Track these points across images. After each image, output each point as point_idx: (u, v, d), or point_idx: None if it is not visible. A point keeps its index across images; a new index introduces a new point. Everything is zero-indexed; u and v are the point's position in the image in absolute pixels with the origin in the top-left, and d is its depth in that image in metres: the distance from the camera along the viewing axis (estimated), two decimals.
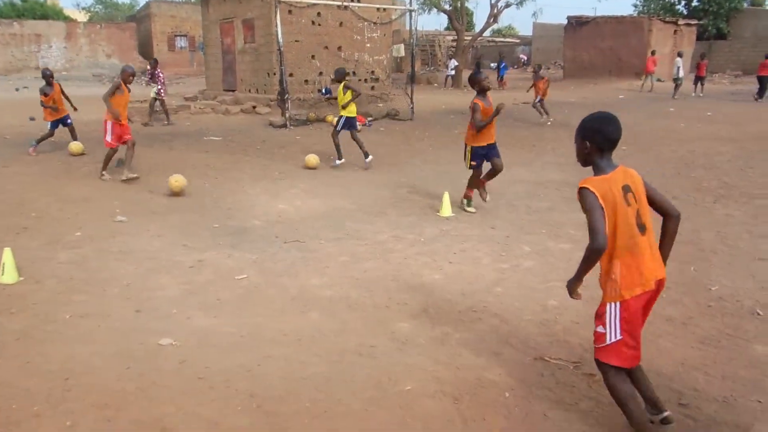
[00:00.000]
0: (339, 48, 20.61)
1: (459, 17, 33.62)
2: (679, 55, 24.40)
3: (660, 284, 2.96)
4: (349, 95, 10.29)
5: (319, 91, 20.11)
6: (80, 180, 9.40)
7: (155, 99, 16.11)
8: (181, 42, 43.60)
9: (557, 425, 3.18)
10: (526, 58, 50.15)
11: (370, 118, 17.16)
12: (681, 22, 33.88)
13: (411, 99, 17.89)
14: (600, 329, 2.92)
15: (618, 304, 2.86)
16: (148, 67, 17.10)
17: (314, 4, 19.02)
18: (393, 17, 23.11)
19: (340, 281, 5.29)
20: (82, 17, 52.82)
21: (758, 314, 4.53)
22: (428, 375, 3.69)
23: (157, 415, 3.27)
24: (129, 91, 9.44)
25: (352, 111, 10.40)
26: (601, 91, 26.45)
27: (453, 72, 32.27)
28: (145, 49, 42.79)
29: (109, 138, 9.16)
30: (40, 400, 3.39)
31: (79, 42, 39.91)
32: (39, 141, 11.20)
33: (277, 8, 15.63)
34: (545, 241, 6.35)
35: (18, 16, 40.43)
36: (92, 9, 57.04)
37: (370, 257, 5.93)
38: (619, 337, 2.86)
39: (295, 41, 19.28)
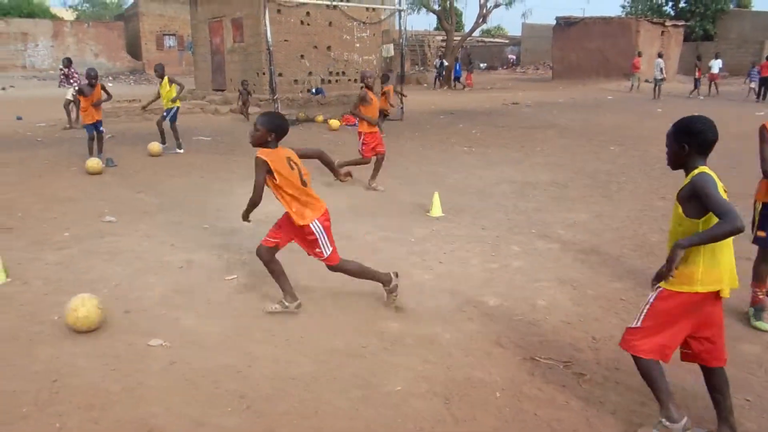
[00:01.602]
0: (328, 48, 20.61)
1: (448, 17, 33.71)
2: (660, 56, 24.65)
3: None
4: (173, 89, 11.81)
5: (309, 90, 20.09)
6: (67, 180, 9.34)
7: (70, 101, 14.97)
8: (169, 41, 43.40)
9: (548, 424, 3.19)
10: (514, 57, 50.30)
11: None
12: (668, 23, 34.19)
13: (400, 99, 17.90)
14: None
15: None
16: (61, 66, 15.91)
17: (303, 4, 19.01)
18: (382, 17, 23.13)
19: (329, 281, 5.28)
20: (69, 16, 52.42)
21: (746, 314, 4.56)
22: (418, 375, 3.69)
23: (144, 415, 3.24)
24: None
25: (177, 102, 12.09)
26: (590, 91, 26.61)
27: (443, 72, 32.40)
28: (134, 48, 42.58)
29: None
30: (27, 401, 3.36)
31: (66, 41, 39.67)
32: (90, 149, 10.40)
33: (265, 7, 15.60)
34: (534, 241, 6.37)
35: (4, 14, 40.05)
36: (79, 7, 56.61)
37: (359, 257, 5.90)
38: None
39: (285, 41, 19.26)
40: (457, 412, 3.30)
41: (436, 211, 7.41)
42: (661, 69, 23.41)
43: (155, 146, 11.52)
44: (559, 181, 9.10)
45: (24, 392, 3.45)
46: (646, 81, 29.42)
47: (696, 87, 24.50)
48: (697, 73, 24.29)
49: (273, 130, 4.43)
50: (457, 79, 32.41)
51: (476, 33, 40.98)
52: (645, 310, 2.93)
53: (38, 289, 5.06)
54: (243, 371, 3.73)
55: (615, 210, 7.58)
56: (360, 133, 8.96)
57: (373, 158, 8.98)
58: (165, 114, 12.06)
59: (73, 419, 3.21)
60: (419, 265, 5.66)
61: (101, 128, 10.58)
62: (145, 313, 4.62)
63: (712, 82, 24.41)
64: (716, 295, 2.87)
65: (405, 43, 20.06)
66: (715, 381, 3.02)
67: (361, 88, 8.99)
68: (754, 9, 40.90)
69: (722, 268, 2.84)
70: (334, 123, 16.37)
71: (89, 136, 10.38)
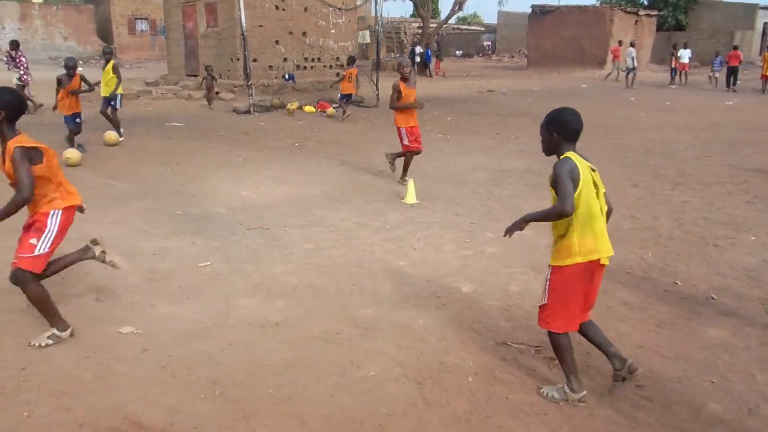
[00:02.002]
0: (304, 33, 20.43)
1: (424, 4, 33.57)
2: (632, 45, 24.89)
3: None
4: (114, 80, 11.10)
5: (283, 77, 19.91)
6: None
7: (16, 86, 14.01)
8: (141, 25, 42.57)
9: (520, 408, 3.24)
10: (490, 44, 50.32)
11: (335, 105, 17.06)
12: (642, 12, 34.47)
13: (376, 86, 17.84)
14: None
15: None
16: (8, 49, 15.02)
17: None
18: (358, 3, 22.97)
19: (305, 268, 5.27)
20: None
21: (712, 298, 4.67)
22: (392, 360, 3.72)
23: (117, 403, 3.22)
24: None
25: (121, 89, 11.40)
26: (564, 80, 26.79)
27: (417, 59, 32.32)
28: (104, 32, 41.68)
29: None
30: None
31: (34, 24, 38.72)
32: (68, 141, 10.04)
33: None
34: None
35: None
36: None
37: (334, 244, 5.92)
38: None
39: (259, 26, 19.03)
40: (429, 396, 3.34)
41: (411, 198, 7.42)
42: (633, 58, 23.67)
43: (112, 135, 10.92)
44: (534, 169, 9.17)
45: None
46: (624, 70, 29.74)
47: (672, 77, 24.77)
48: (673, 63, 24.54)
49: (2, 107, 3.60)
50: (425, 66, 32.47)
51: (452, 20, 40.87)
52: (546, 287, 3.27)
53: (6, 276, 4.96)
54: (217, 358, 3.72)
55: None
56: (399, 129, 8.19)
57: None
58: (112, 103, 11.22)
59: (43, 407, 3.18)
60: (394, 252, 5.68)
61: (78, 120, 10.08)
62: (118, 300, 4.57)
63: (682, 72, 24.72)
64: (598, 264, 3.17)
65: (381, 30, 19.96)
66: (590, 332, 3.41)
67: (400, 73, 8.07)
68: (725, 0, 41.43)
69: (596, 239, 3.14)
70: (309, 109, 16.30)
71: (69, 129, 10.02)
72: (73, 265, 5.18)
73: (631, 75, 23.62)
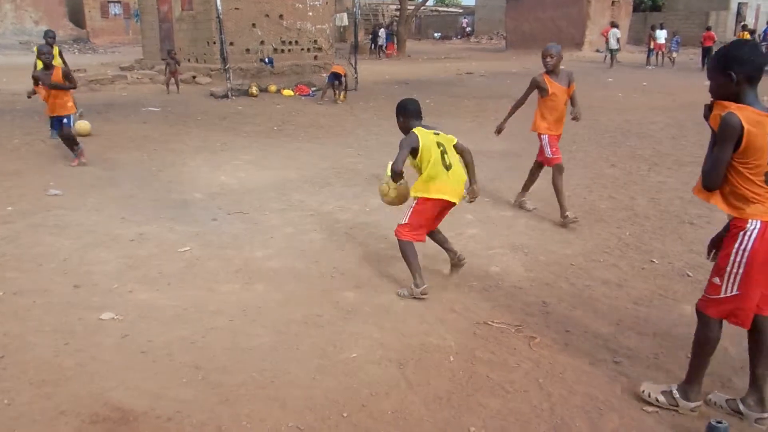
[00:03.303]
0: (281, 16, 20.20)
1: None
2: (615, 26, 24.95)
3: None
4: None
5: (261, 60, 19.71)
6: (10, 153, 9.01)
7: None
8: (115, 9, 41.79)
9: (500, 386, 3.28)
10: (466, 24, 50.16)
11: (313, 88, 16.96)
12: None
13: (355, 69, 17.75)
14: None
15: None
16: None
17: None
18: None
19: (285, 252, 5.27)
20: None
21: (688, 275, 4.75)
22: (373, 342, 3.74)
23: (99, 390, 3.21)
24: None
25: None
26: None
27: (380, 42, 32.39)
28: (77, 16, 40.85)
29: None
30: None
31: (3, 8, 37.79)
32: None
33: None
34: (488, 210, 6.46)
35: None
36: None
37: (315, 228, 5.91)
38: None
39: (235, 9, 18.78)
40: (411, 376, 3.37)
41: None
42: (617, 39, 23.84)
43: (84, 125, 10.19)
44: (513, 150, 9.22)
45: None
46: (597, 51, 29.81)
47: (648, 57, 24.93)
48: (652, 44, 24.68)
49: None
50: (380, 47, 32.53)
51: (430, 2, 40.73)
52: (409, 213, 4.36)
53: None
54: (198, 343, 3.72)
55: (566, 178, 7.64)
56: (540, 136, 6.19)
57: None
58: None
59: (24, 395, 3.15)
60: (374, 235, 5.69)
61: (65, 120, 8.26)
62: (96, 287, 4.53)
63: (659, 52, 24.93)
64: (447, 202, 4.32)
65: (359, 12, 19.79)
66: (435, 236, 4.62)
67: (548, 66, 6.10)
68: None
69: (444, 186, 4.25)
70: (288, 92, 16.20)
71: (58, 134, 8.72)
72: (49, 253, 5.15)
73: (613, 56, 23.81)
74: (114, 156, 8.98)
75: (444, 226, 5.99)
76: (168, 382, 3.29)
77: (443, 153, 4.23)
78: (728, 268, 2.83)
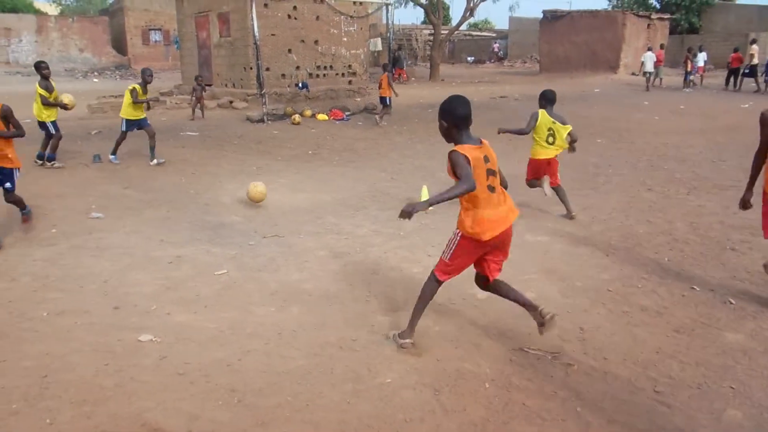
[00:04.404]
0: (316, 42, 20.54)
1: (435, 11, 33.65)
2: (650, 49, 24.78)
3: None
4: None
5: (296, 85, 20.02)
6: (54, 176, 9.28)
7: None
8: (155, 36, 42.99)
9: (537, 414, 3.23)
10: (498, 47, 50.14)
11: (348, 113, 17.13)
12: (654, 16, 34.33)
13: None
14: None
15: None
16: None
17: None
18: (369, 11, 23.05)
19: (320, 275, 5.29)
20: (53, 10, 51.87)
21: (730, 303, 4.63)
22: (408, 367, 3.72)
23: (136, 410, 3.25)
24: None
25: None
26: (577, 84, 26.69)
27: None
28: (119, 43, 42.19)
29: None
30: (17, 398, 3.36)
31: (50, 36, 39.25)
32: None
33: (252, 1, 15.54)
34: (523, 234, 6.40)
35: None
36: (63, 2, 55.98)
37: (349, 251, 5.94)
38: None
39: (272, 35, 19.16)
40: (446, 402, 3.34)
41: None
42: (654, 62, 23.74)
43: (69, 98, 9.83)
44: None
45: (14, 388, 3.45)
46: (633, 74, 29.53)
47: (686, 80, 24.60)
48: (688, 66, 24.34)
49: None
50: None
51: (464, 26, 40.96)
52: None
53: (26, 285, 5.04)
54: (234, 365, 3.75)
55: (602, 202, 7.64)
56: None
57: None
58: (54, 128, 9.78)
59: (65, 414, 3.21)
60: (408, 259, 5.69)
61: (8, 184, 6.23)
62: (135, 308, 4.61)
63: (698, 75, 24.69)
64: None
65: (392, 37, 20.01)
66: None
67: None
68: (738, 2, 41.15)
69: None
70: (322, 117, 16.38)
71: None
72: (90, 275, 5.26)
73: (650, 78, 23.66)
74: (153, 179, 9.18)
75: None
76: (204, 404, 3.32)
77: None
78: None
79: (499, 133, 7.09)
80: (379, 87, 15.88)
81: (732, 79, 22.86)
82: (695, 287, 4.95)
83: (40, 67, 9.43)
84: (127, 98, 10.07)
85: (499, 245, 3.82)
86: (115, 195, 8.16)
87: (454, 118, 3.66)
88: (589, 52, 31.97)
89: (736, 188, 8.15)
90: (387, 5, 19.56)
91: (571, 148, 6.82)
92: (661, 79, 25.35)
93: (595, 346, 3.99)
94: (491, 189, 3.67)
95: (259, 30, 15.89)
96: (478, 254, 3.83)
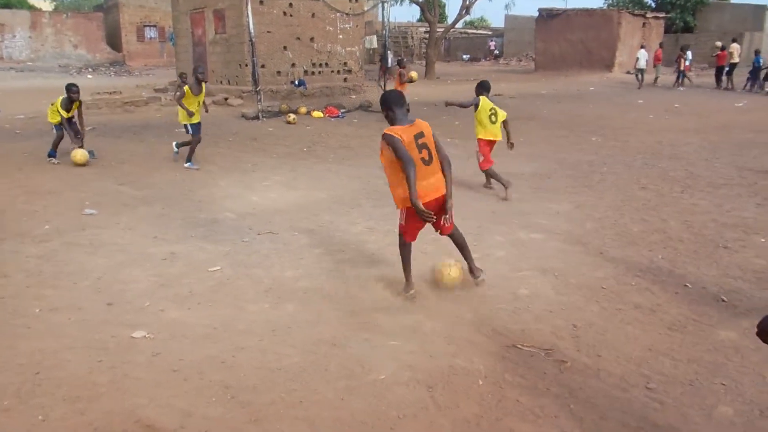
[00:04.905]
0: (311, 39, 20.50)
1: (431, 8, 33.63)
2: (642, 47, 24.88)
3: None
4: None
5: (292, 82, 19.99)
6: (48, 172, 9.25)
7: None
8: (150, 32, 42.86)
9: (530, 411, 3.24)
10: (493, 45, 50.13)
11: (343, 110, 17.12)
12: (649, 15, 34.39)
13: (384, 90, 17.87)
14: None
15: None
16: None
17: None
18: (365, 8, 23.04)
19: (315, 272, 5.29)
20: (47, 6, 51.65)
21: (723, 300, 4.65)
22: (402, 364, 3.73)
23: (130, 406, 3.25)
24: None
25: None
26: (572, 83, 26.73)
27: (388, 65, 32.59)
28: (114, 39, 42.03)
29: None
30: (9, 394, 3.35)
31: (44, 32, 39.08)
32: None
33: None
34: (516, 231, 6.42)
35: None
36: None
37: (344, 248, 5.94)
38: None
39: (267, 32, 19.12)
40: (440, 399, 3.35)
41: None
42: (647, 60, 23.86)
43: (80, 155, 9.74)
44: (542, 172, 9.17)
45: (6, 385, 3.44)
46: (627, 72, 29.56)
47: (677, 79, 24.65)
48: (681, 65, 24.38)
49: None
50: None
51: (459, 24, 40.92)
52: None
53: (19, 281, 5.03)
54: (228, 362, 3.75)
55: (597, 200, 7.66)
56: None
57: None
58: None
59: (57, 411, 3.21)
60: None
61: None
62: (129, 305, 4.61)
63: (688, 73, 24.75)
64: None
65: (388, 35, 19.99)
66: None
67: None
68: (733, 1, 41.22)
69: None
70: (317, 114, 16.35)
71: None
72: (83, 271, 5.25)
73: (642, 76, 23.75)
74: (147, 176, 9.16)
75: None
76: (198, 401, 3.32)
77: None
78: None
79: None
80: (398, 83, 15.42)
81: (724, 78, 23.07)
82: (688, 285, 4.96)
83: (71, 90, 9.51)
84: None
85: (436, 210, 4.46)
86: (109, 191, 8.14)
87: (389, 105, 4.50)
88: (584, 51, 32.00)
89: (729, 186, 8.19)
90: (383, 3, 19.52)
91: (510, 144, 7.97)
92: (657, 77, 25.42)
93: (589, 343, 4.01)
94: (424, 161, 4.36)
95: (255, 27, 15.84)
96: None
